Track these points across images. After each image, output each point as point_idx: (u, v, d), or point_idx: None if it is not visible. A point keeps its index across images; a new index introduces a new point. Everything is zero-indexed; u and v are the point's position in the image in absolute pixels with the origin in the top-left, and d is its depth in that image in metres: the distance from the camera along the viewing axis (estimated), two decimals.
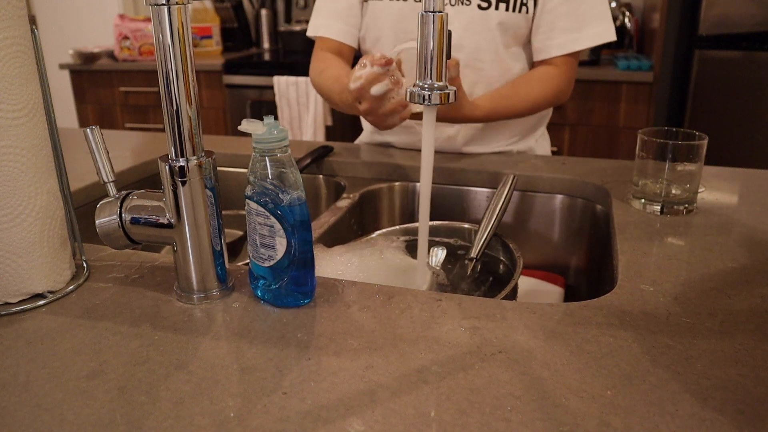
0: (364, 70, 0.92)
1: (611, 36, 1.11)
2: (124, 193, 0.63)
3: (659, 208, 0.84)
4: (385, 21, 1.15)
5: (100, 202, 0.62)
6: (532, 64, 1.19)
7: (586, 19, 1.10)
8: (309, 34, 1.25)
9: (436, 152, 1.18)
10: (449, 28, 0.65)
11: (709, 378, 0.49)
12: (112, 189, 0.62)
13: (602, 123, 2.39)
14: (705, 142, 0.83)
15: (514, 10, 1.10)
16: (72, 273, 0.66)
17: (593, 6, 1.11)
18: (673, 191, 0.84)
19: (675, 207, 0.84)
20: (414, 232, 0.93)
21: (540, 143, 1.31)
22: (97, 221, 0.62)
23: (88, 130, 0.59)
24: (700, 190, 0.91)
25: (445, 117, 1.05)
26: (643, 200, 0.86)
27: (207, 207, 0.60)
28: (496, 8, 1.10)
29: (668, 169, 0.84)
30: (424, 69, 0.56)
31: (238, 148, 1.22)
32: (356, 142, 1.35)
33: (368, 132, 1.33)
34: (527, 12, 1.11)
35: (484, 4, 1.10)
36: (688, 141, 0.84)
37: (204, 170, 0.59)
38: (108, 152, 0.61)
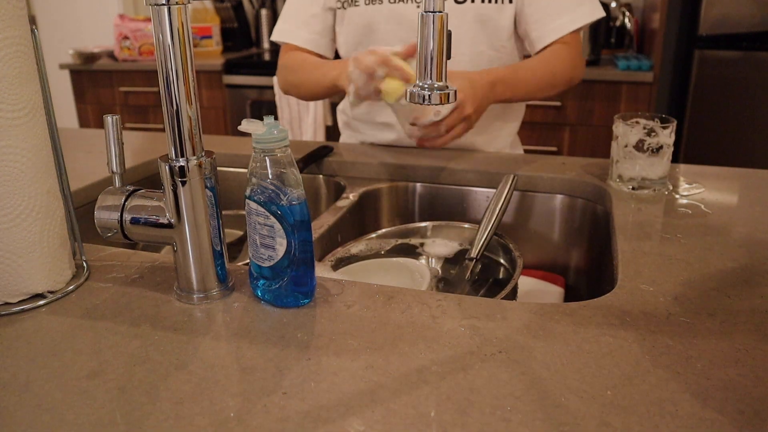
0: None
1: (601, 12, 1.13)
2: (130, 188, 0.63)
3: (633, 187, 0.92)
4: (357, 27, 1.16)
5: (105, 189, 0.63)
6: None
7: (574, 1, 1.12)
8: (273, 38, 1.25)
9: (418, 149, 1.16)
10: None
11: (709, 378, 0.49)
12: (117, 180, 0.62)
13: (602, 123, 2.39)
14: (674, 123, 0.90)
15: (490, 1, 1.10)
16: (72, 273, 0.66)
17: None
18: (646, 174, 0.92)
19: (648, 190, 0.91)
20: (412, 233, 0.93)
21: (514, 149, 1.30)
22: (96, 213, 0.62)
23: (109, 117, 0.59)
24: (699, 190, 0.92)
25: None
26: (618, 181, 0.93)
27: (207, 207, 0.60)
28: (472, 1, 1.10)
29: (639, 149, 0.91)
30: (424, 69, 0.56)
31: (238, 148, 1.22)
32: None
33: (346, 135, 1.33)
34: (502, 2, 1.11)
35: None
36: (659, 123, 0.90)
37: (204, 170, 0.59)
38: (123, 144, 0.61)
